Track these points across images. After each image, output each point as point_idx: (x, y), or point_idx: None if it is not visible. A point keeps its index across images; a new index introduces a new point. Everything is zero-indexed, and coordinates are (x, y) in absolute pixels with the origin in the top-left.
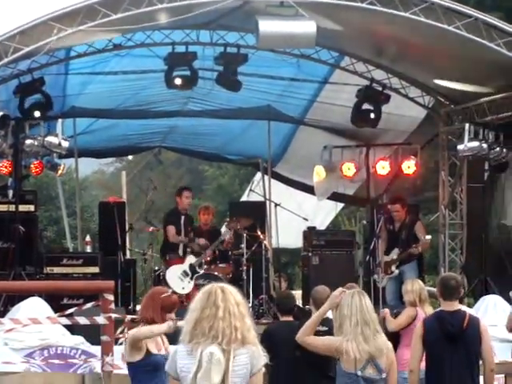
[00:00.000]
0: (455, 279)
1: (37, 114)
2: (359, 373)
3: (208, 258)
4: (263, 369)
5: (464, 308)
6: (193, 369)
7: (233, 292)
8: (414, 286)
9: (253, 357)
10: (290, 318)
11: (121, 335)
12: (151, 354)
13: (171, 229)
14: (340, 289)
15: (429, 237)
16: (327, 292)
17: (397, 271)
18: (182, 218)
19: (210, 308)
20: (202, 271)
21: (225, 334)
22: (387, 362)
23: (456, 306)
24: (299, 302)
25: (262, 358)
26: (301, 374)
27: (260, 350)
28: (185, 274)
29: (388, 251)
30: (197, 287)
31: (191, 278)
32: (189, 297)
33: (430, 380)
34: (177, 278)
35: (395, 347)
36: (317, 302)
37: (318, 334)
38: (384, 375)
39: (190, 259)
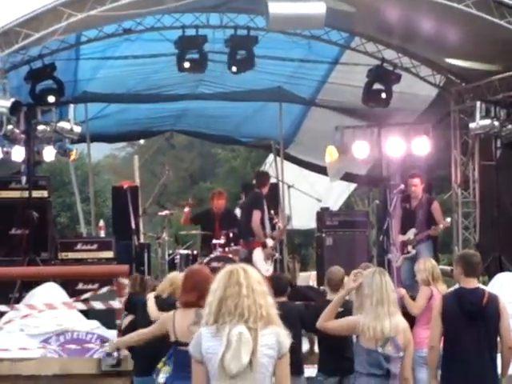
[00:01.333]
0: (476, 255)
1: (50, 99)
2: (380, 349)
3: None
4: None
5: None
6: (220, 350)
7: (253, 271)
8: (426, 265)
9: (279, 337)
10: (283, 299)
11: None
12: None
13: (258, 214)
14: (352, 273)
15: (449, 219)
16: (342, 273)
17: (414, 251)
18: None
19: (233, 286)
20: (277, 255)
21: (251, 311)
22: (404, 340)
23: (475, 283)
24: (314, 283)
25: (287, 338)
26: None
27: (284, 331)
28: (267, 258)
29: (404, 230)
30: (213, 270)
31: (271, 262)
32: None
33: (448, 357)
34: (262, 261)
35: (411, 326)
36: (331, 283)
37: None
38: (401, 353)
39: (269, 243)
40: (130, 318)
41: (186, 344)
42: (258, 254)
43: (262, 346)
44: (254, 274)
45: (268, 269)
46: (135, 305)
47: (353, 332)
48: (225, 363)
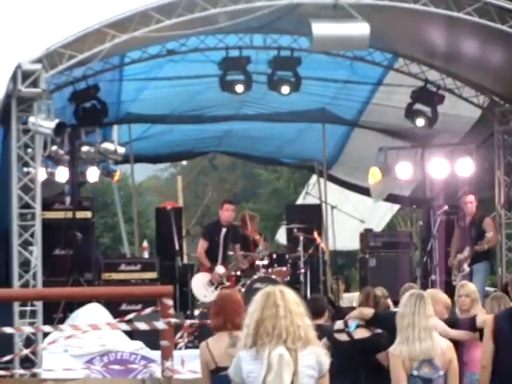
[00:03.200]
0: None
1: (94, 120)
2: (415, 372)
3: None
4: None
5: None
6: (262, 372)
7: (290, 292)
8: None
9: (319, 357)
10: (321, 321)
11: (180, 340)
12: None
13: (203, 244)
14: None
15: (489, 234)
16: (385, 294)
17: (468, 269)
18: (223, 230)
19: (270, 308)
20: (228, 284)
21: (289, 332)
22: (445, 360)
23: None
24: (356, 304)
25: (327, 358)
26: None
27: (324, 351)
28: (210, 283)
29: (461, 249)
30: (255, 291)
31: (215, 288)
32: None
33: (498, 376)
34: (201, 286)
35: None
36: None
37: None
38: (441, 373)
39: (219, 270)
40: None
41: (227, 368)
42: (196, 279)
43: (302, 366)
44: (292, 295)
45: (206, 294)
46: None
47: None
48: None
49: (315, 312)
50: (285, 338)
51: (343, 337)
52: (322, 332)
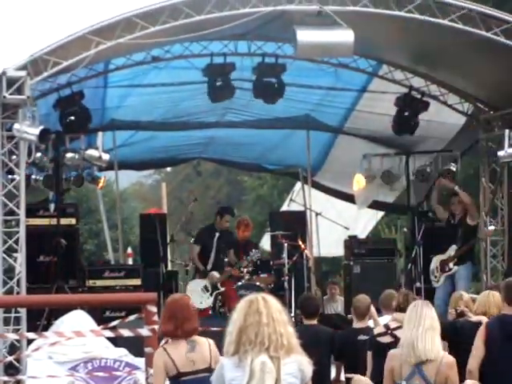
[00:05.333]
0: None
1: (78, 127)
2: (403, 383)
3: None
4: None
5: None
6: (244, 380)
7: (273, 300)
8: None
9: (301, 365)
10: (314, 322)
11: None
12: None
13: (195, 248)
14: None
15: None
16: (368, 301)
17: (455, 267)
18: (217, 234)
19: (253, 315)
20: (222, 289)
21: (271, 339)
22: (438, 373)
23: None
24: (341, 311)
25: (310, 366)
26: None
27: (306, 359)
28: (205, 289)
29: (443, 250)
30: (240, 297)
31: (210, 295)
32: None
33: (487, 379)
34: (196, 293)
35: None
36: (358, 311)
37: (358, 343)
38: None
39: (213, 275)
40: None
41: (189, 373)
42: (191, 286)
43: (285, 374)
44: (274, 303)
45: (202, 301)
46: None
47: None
48: None
49: (308, 312)
50: (267, 345)
51: (387, 339)
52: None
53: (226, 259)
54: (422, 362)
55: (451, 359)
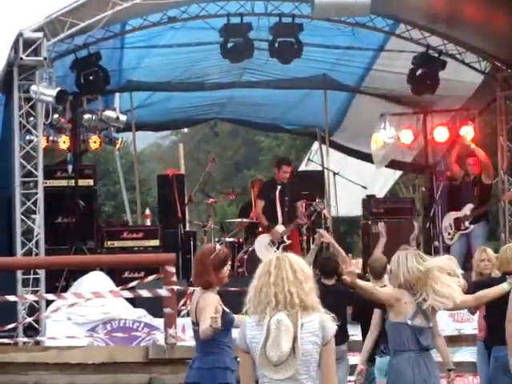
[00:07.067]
0: None
1: (96, 88)
2: (409, 322)
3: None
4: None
5: None
6: (262, 338)
7: (291, 260)
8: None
9: (323, 323)
10: (331, 281)
11: (183, 307)
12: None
13: (259, 203)
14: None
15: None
16: (384, 260)
17: (471, 226)
18: (278, 187)
19: (264, 275)
20: (289, 242)
21: (278, 298)
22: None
23: None
24: (359, 271)
25: (332, 325)
26: None
27: (329, 317)
28: (272, 243)
29: (459, 207)
30: (256, 259)
31: (277, 248)
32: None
33: None
34: (264, 248)
35: None
36: (374, 271)
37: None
38: (431, 324)
39: (279, 229)
40: None
41: (196, 323)
42: (258, 241)
43: (305, 332)
44: (289, 262)
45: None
46: None
47: (390, 302)
48: (266, 352)
49: (326, 272)
50: (274, 304)
51: None
52: None
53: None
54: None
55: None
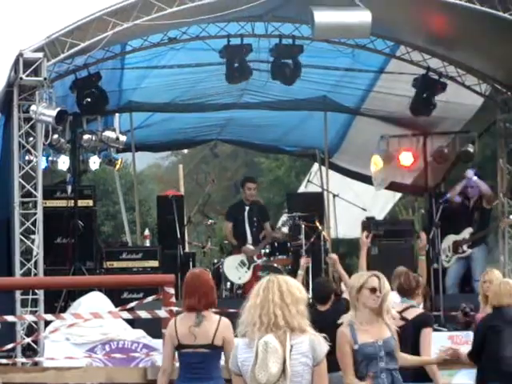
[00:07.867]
0: None
1: (96, 109)
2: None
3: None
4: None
5: None
6: (251, 361)
7: (280, 282)
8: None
9: (313, 344)
10: (326, 307)
11: None
12: None
13: (228, 226)
14: None
15: None
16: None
17: (469, 250)
18: (246, 208)
19: (254, 297)
20: (260, 261)
21: (262, 320)
22: None
23: None
24: None
25: (323, 346)
26: None
27: (320, 338)
28: (242, 264)
29: (458, 231)
30: (257, 279)
31: (248, 268)
32: (246, 287)
33: None
34: (234, 268)
35: None
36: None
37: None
38: None
39: (247, 249)
40: None
41: (188, 346)
42: (228, 262)
43: (295, 354)
44: (284, 284)
45: (240, 276)
46: None
47: None
48: (255, 374)
49: (319, 298)
50: (266, 326)
51: (397, 322)
52: None
53: (244, 250)
54: None
55: None
